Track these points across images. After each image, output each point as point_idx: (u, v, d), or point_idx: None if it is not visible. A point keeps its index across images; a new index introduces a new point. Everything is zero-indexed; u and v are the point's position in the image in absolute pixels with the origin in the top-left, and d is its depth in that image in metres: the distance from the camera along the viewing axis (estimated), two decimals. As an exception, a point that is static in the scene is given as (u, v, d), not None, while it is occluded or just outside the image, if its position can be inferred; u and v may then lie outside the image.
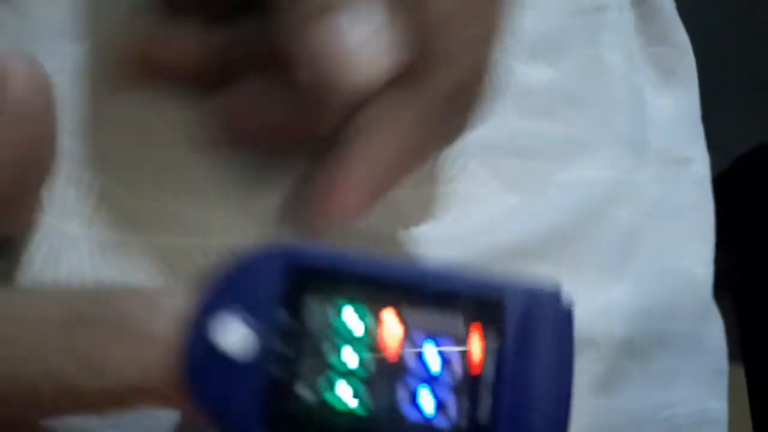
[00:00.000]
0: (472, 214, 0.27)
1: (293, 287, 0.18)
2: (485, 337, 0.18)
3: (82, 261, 0.24)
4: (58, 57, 0.25)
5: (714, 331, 0.30)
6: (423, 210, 0.26)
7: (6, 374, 0.18)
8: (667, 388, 0.28)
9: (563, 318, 0.19)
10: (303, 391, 0.17)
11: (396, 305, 0.18)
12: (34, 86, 0.21)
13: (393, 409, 0.18)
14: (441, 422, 0.18)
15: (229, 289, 0.18)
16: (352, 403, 0.18)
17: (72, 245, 0.24)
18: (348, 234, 0.22)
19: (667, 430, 0.28)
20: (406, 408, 0.18)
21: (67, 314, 0.18)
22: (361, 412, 0.18)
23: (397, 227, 0.26)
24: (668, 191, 0.31)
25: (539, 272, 0.26)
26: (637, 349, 0.27)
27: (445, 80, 0.22)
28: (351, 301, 0.18)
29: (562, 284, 0.19)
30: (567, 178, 0.28)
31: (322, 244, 0.18)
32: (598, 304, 0.27)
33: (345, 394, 0.18)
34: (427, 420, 0.18)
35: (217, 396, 0.17)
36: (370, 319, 0.18)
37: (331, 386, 0.17)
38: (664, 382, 0.28)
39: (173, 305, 0.18)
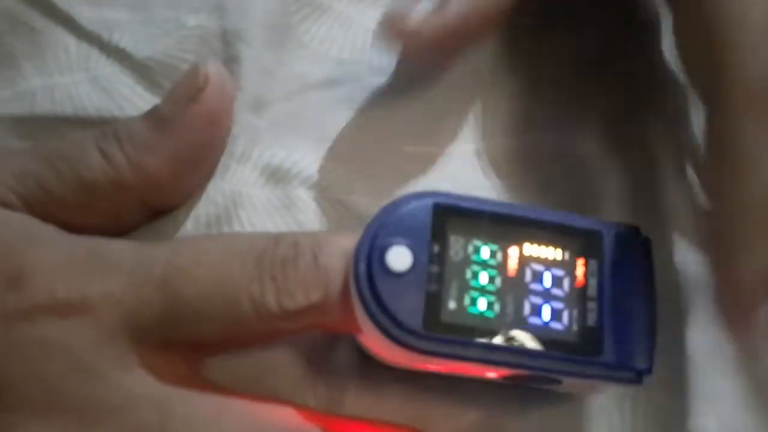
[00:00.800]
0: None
1: (440, 224, 0.23)
2: (587, 261, 0.23)
3: (251, 218, 0.26)
4: None
5: None
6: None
7: (210, 291, 0.22)
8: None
9: (645, 246, 0.24)
10: (452, 303, 0.22)
11: (518, 242, 0.23)
12: (221, 91, 0.25)
13: (518, 315, 0.22)
14: (556, 325, 0.23)
15: (393, 223, 0.22)
16: (489, 312, 0.22)
17: (241, 204, 0.26)
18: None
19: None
20: (529, 316, 0.22)
21: (253, 247, 0.23)
22: (494, 319, 0.22)
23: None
24: None
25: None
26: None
27: None
28: (485, 240, 0.23)
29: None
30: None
31: (464, 195, 0.23)
32: None
33: (482, 306, 0.22)
34: (545, 323, 0.23)
35: (388, 301, 0.22)
36: (500, 252, 0.23)
37: (473, 301, 0.22)
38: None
39: (339, 244, 0.23)
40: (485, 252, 0.23)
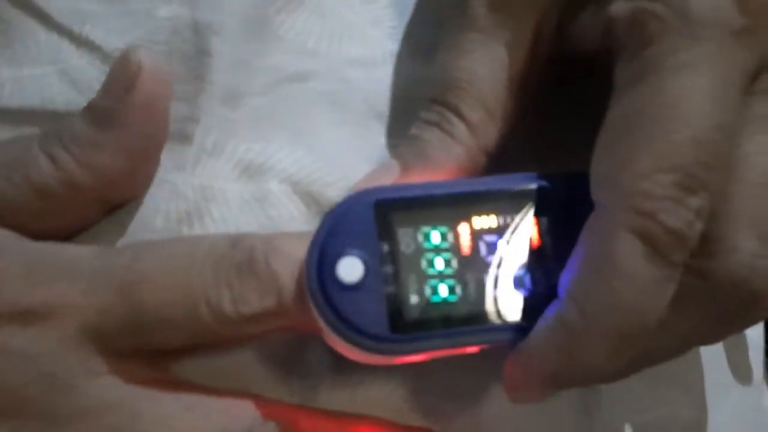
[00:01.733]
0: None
1: (386, 221, 0.22)
2: (538, 219, 0.23)
3: (222, 213, 0.25)
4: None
5: None
6: None
7: (169, 298, 0.22)
8: None
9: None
10: (413, 298, 0.22)
11: (466, 218, 0.22)
12: (156, 76, 0.24)
13: (481, 293, 0.22)
14: (522, 292, 0.22)
15: (338, 231, 0.22)
16: (452, 297, 0.22)
17: (212, 199, 0.25)
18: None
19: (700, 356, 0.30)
20: (491, 289, 0.22)
21: (211, 253, 0.23)
22: (458, 302, 0.22)
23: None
24: None
25: None
26: None
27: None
28: (433, 225, 0.22)
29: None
30: None
31: (401, 184, 0.23)
32: None
33: (444, 292, 0.22)
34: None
35: (349, 314, 0.21)
36: (450, 234, 0.22)
37: (434, 290, 0.22)
38: None
39: (293, 247, 0.23)
40: (435, 237, 0.22)
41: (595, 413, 0.28)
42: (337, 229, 0.22)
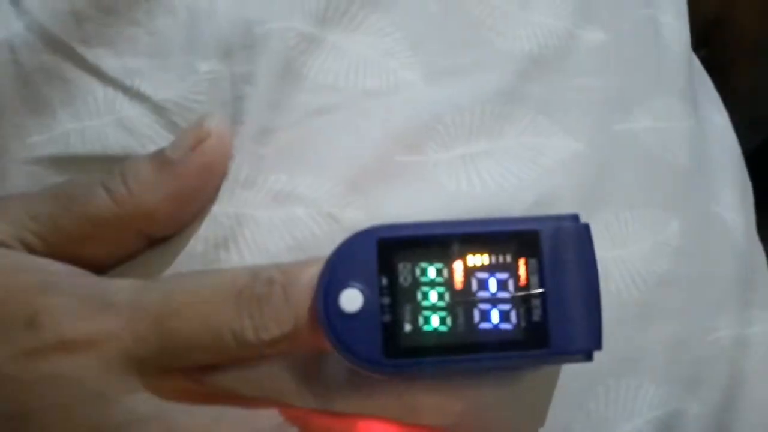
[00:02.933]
0: (541, 161, 0.30)
1: (387, 256, 0.25)
2: (527, 260, 0.25)
3: (254, 236, 0.28)
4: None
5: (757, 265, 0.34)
6: (497, 163, 0.30)
7: (197, 328, 0.26)
8: (712, 316, 0.32)
9: (583, 232, 0.25)
10: (408, 328, 0.25)
11: (461, 256, 0.25)
12: (220, 144, 0.28)
13: (470, 324, 0.25)
14: (505, 326, 0.25)
15: (343, 266, 0.25)
16: (443, 328, 0.25)
17: (246, 224, 0.28)
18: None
19: (713, 352, 0.31)
20: (479, 323, 0.25)
21: (234, 285, 0.26)
22: (449, 332, 0.25)
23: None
24: (708, 142, 0.35)
25: (604, 210, 0.28)
26: (684, 281, 0.31)
27: None
28: (429, 261, 0.25)
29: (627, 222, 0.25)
30: (625, 127, 0.32)
31: (403, 223, 0.25)
32: (653, 242, 0.31)
33: (435, 323, 0.25)
34: (495, 326, 0.25)
35: (348, 340, 0.25)
36: (445, 269, 0.25)
37: (427, 321, 0.25)
38: (709, 311, 0.32)
39: (307, 276, 0.26)
40: (432, 272, 0.25)
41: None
42: (342, 263, 0.25)
